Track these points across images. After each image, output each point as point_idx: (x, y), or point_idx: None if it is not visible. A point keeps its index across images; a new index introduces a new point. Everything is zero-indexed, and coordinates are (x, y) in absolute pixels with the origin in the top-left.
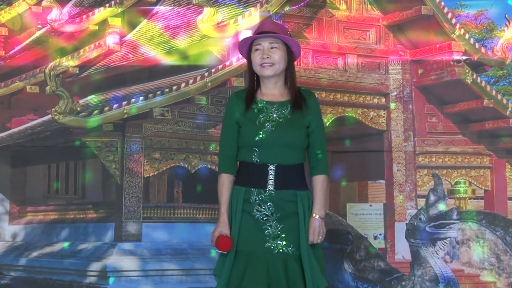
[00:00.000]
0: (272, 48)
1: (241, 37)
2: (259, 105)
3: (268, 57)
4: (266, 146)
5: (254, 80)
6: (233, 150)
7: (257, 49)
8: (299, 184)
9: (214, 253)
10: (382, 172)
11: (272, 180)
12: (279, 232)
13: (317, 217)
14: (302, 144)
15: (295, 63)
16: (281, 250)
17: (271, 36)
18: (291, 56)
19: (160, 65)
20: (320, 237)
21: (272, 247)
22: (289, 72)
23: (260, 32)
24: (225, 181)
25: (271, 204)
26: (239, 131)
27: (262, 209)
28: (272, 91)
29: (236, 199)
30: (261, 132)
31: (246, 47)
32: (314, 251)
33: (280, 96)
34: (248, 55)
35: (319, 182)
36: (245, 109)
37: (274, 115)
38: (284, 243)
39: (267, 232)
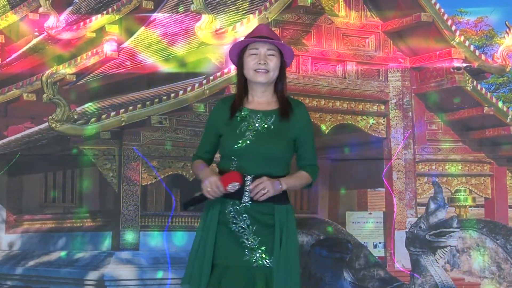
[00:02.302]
0: (269, 55)
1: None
2: (243, 113)
3: (264, 63)
4: (244, 156)
5: (242, 86)
6: (206, 155)
7: (253, 54)
8: (278, 197)
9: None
10: (382, 180)
11: (248, 192)
12: (257, 245)
13: (276, 181)
14: (283, 156)
15: (294, 70)
16: (260, 263)
17: (270, 42)
18: (283, 65)
19: (158, 72)
20: (263, 192)
21: (252, 260)
22: (280, 82)
23: (258, 36)
24: (198, 161)
25: (246, 216)
26: (218, 139)
27: (238, 221)
28: (259, 99)
29: (212, 209)
30: (240, 141)
31: (238, 50)
32: (291, 263)
33: (267, 105)
34: (238, 60)
35: (300, 173)
36: (229, 118)
37: (256, 125)
38: (263, 256)
39: (244, 245)
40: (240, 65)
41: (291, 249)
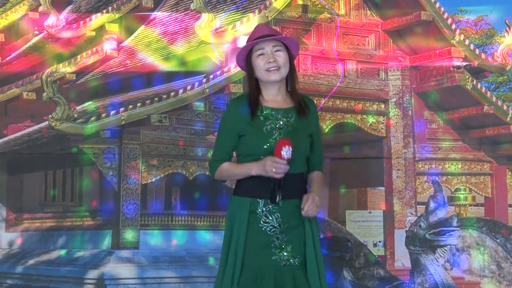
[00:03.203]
0: (276, 51)
1: (239, 44)
2: (264, 112)
3: (274, 61)
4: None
5: (255, 88)
6: (228, 157)
7: (260, 54)
8: (303, 193)
9: (212, 261)
10: (382, 179)
11: (279, 191)
12: (285, 244)
13: (313, 193)
14: (307, 152)
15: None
16: (288, 263)
17: (273, 38)
18: (291, 59)
19: (158, 71)
20: (315, 209)
21: (279, 260)
22: (291, 77)
23: (260, 36)
24: (226, 163)
25: (278, 215)
26: (239, 140)
27: (270, 220)
28: (275, 97)
29: (240, 210)
30: (271, 140)
31: (244, 56)
32: (321, 260)
33: (284, 103)
34: (246, 63)
35: (317, 175)
36: (251, 117)
37: (281, 123)
38: (290, 255)
39: (274, 244)
40: (249, 68)
41: (319, 247)
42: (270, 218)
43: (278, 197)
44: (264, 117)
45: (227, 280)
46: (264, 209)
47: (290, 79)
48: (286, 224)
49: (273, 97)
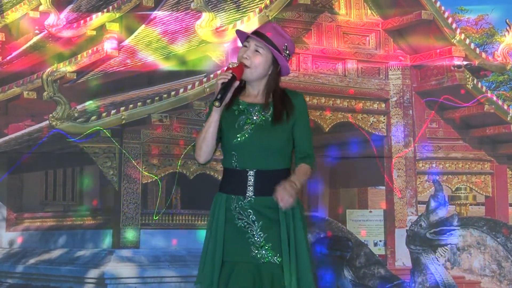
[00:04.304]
0: (256, 51)
1: (239, 43)
2: (240, 107)
3: (247, 58)
4: (244, 150)
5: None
6: None
7: (244, 46)
8: None
9: None
10: (382, 178)
11: (251, 187)
12: (263, 242)
13: (291, 182)
14: (284, 147)
15: (295, 68)
16: (266, 260)
17: (258, 39)
18: (277, 65)
19: (159, 70)
20: (288, 199)
21: (258, 257)
22: (271, 78)
23: (255, 31)
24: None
25: (251, 211)
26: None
27: (243, 217)
28: (254, 91)
29: (218, 206)
30: (239, 135)
31: (242, 40)
32: (302, 259)
33: (262, 98)
34: None
35: (302, 167)
36: (225, 110)
37: (254, 118)
38: (270, 253)
39: (251, 241)
40: None
41: (300, 244)
42: (243, 214)
43: (220, 95)
44: (238, 112)
45: (206, 278)
46: (236, 205)
47: (270, 80)
48: (261, 220)
49: (252, 91)
